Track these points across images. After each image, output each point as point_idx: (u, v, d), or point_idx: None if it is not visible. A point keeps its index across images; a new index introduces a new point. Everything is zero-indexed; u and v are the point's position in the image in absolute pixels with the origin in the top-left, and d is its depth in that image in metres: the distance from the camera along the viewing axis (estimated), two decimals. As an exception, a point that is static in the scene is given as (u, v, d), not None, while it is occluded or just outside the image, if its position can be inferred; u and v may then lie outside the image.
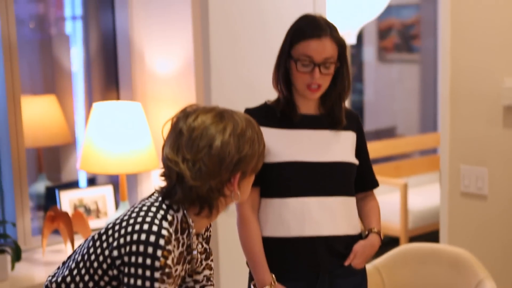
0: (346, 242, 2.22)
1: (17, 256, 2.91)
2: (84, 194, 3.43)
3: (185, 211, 1.67)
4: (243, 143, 1.66)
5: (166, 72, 3.40)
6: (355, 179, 2.28)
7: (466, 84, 2.96)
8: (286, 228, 2.16)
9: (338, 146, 2.22)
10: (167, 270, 1.59)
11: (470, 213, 2.99)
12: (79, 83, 3.75)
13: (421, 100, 6.89)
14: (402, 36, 6.87)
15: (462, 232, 3.02)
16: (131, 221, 1.62)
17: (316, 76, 2.12)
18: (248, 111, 2.23)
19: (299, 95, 2.20)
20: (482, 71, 2.91)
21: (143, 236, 1.58)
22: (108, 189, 3.49)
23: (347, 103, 2.36)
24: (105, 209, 3.45)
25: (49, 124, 3.66)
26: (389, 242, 5.25)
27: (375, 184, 2.35)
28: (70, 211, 3.34)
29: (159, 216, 1.63)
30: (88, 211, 3.42)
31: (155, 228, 1.59)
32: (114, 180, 3.63)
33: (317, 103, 2.24)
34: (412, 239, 5.28)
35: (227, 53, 3.25)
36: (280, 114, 2.20)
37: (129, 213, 1.67)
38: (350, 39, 4.25)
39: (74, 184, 3.74)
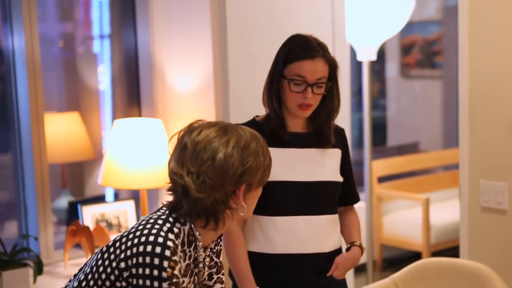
0: (329, 257, 2.27)
1: (39, 269, 2.95)
2: (106, 209, 3.47)
3: (191, 224, 1.69)
4: (247, 156, 1.67)
5: (186, 89, 3.44)
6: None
7: (485, 99, 2.96)
8: (272, 245, 2.21)
9: (325, 165, 2.26)
10: (174, 280, 1.61)
11: (490, 228, 2.96)
12: (101, 101, 3.81)
13: (444, 115, 6.86)
14: (425, 52, 6.86)
15: (482, 247, 3.00)
16: (138, 233, 1.65)
17: (309, 96, 2.16)
18: None
19: (289, 113, 2.23)
20: (500, 85, 2.91)
21: (149, 248, 1.61)
22: (130, 204, 3.52)
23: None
24: (126, 223, 3.49)
25: (72, 140, 3.71)
26: (412, 257, 5.22)
27: (357, 199, 2.39)
28: (92, 226, 3.37)
29: (165, 228, 1.65)
30: (110, 225, 3.45)
31: (160, 239, 1.62)
32: (135, 195, 3.67)
33: (305, 121, 2.27)
34: (435, 254, 5.24)
35: (244, 71, 3.29)
36: (269, 132, 2.23)
37: (136, 225, 1.70)
38: (370, 56, 4.26)
39: (97, 199, 3.79)
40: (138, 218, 3.51)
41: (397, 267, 3.47)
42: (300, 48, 2.19)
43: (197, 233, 1.70)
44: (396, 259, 5.60)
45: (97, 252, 1.75)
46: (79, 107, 3.79)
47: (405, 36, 6.62)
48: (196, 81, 3.38)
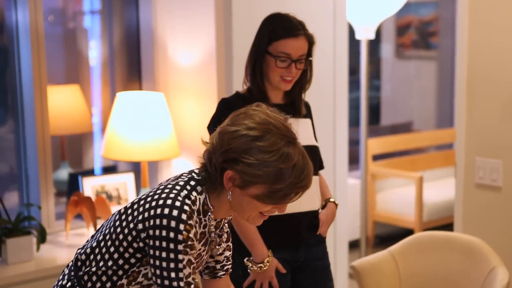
0: (316, 215, 2.52)
1: (42, 238, 3.00)
2: (106, 181, 3.51)
3: (207, 195, 1.75)
4: (257, 152, 1.65)
5: (188, 63, 3.48)
6: None
7: (482, 77, 3.01)
8: None
9: (305, 132, 2.49)
10: (189, 242, 1.67)
11: (484, 204, 3.04)
12: (101, 74, 3.84)
13: (438, 96, 6.93)
14: (420, 33, 6.90)
15: (476, 223, 3.07)
16: (156, 196, 1.71)
17: (293, 71, 2.39)
18: (226, 100, 2.46)
19: (270, 86, 2.44)
20: (498, 65, 2.96)
21: (166, 210, 1.67)
22: (129, 176, 3.57)
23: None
24: (126, 195, 3.54)
25: (72, 113, 3.75)
26: (404, 234, 5.30)
27: (322, 166, 2.62)
28: (92, 197, 3.42)
29: (182, 194, 1.71)
30: (109, 197, 3.50)
31: (178, 203, 1.68)
32: (134, 168, 3.72)
33: (283, 93, 2.49)
34: (426, 231, 5.33)
35: (249, 44, 3.31)
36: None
37: (154, 189, 1.76)
38: (368, 34, 4.31)
39: (95, 172, 3.83)
40: (137, 190, 3.56)
41: (389, 243, 3.54)
42: (283, 27, 2.39)
43: (210, 204, 1.75)
44: (389, 235, 5.69)
45: (114, 213, 1.81)
46: (78, 80, 3.82)
47: (401, 16, 6.66)
48: (198, 55, 3.41)
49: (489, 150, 3.00)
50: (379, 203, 5.59)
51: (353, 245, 5.08)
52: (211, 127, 2.43)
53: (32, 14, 3.19)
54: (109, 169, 3.86)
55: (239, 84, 3.30)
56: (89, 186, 3.46)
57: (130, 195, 3.54)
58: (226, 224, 1.90)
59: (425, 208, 5.38)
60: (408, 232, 5.43)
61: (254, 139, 1.66)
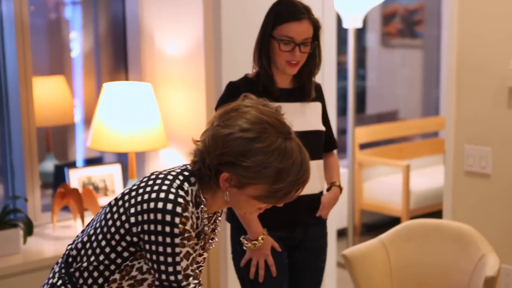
0: (317, 198, 2.54)
1: (29, 230, 2.97)
2: (92, 172, 3.48)
3: (199, 188, 1.69)
4: (256, 153, 1.60)
5: (176, 53, 3.45)
6: None
7: (472, 65, 3.02)
8: None
9: (312, 116, 2.51)
10: (186, 234, 1.62)
11: (473, 191, 3.05)
12: (87, 65, 3.79)
13: (423, 85, 6.94)
14: (406, 22, 6.91)
15: (465, 210, 3.08)
16: (148, 188, 1.65)
17: (297, 54, 2.40)
18: (233, 83, 2.47)
19: (277, 70, 2.45)
20: (488, 53, 2.97)
21: (160, 204, 1.61)
22: (116, 168, 3.54)
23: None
24: (113, 187, 3.51)
25: (57, 104, 3.71)
26: (390, 222, 5.33)
27: (335, 145, 2.65)
28: (79, 189, 3.39)
29: (175, 184, 1.65)
30: (96, 189, 3.47)
31: (171, 196, 1.62)
32: (120, 159, 3.69)
33: (291, 77, 2.50)
34: (413, 219, 5.35)
35: (238, 33, 3.29)
36: (262, 88, 2.43)
37: (145, 180, 1.69)
38: (356, 23, 4.30)
39: (78, 163, 3.80)
40: (124, 182, 3.53)
41: (376, 232, 3.55)
42: (287, 11, 2.42)
43: (202, 196, 1.70)
44: (376, 224, 5.71)
45: (105, 206, 1.75)
46: (62, 71, 3.78)
47: (387, 5, 6.66)
48: (186, 45, 3.38)
49: (478, 138, 3.01)
50: (366, 192, 5.60)
51: (341, 234, 5.08)
52: None
53: (17, 5, 3.15)
54: (95, 161, 3.83)
55: (228, 73, 3.29)
56: (75, 178, 3.43)
57: (117, 187, 3.52)
58: (220, 218, 1.85)
59: (412, 196, 5.40)
60: (395, 220, 5.44)
61: (250, 141, 1.61)
